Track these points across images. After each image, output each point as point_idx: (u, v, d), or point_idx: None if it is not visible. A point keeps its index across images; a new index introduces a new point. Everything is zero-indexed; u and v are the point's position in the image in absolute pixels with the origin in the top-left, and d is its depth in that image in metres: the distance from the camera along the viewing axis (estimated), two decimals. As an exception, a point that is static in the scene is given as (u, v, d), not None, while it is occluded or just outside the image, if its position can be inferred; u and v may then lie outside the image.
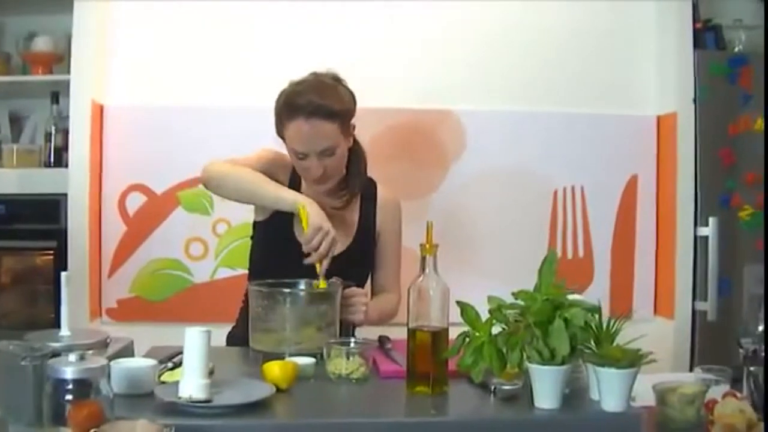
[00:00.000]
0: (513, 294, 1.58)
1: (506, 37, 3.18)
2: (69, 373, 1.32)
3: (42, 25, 3.08)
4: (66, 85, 2.90)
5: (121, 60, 3.07)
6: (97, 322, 2.99)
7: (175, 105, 3.05)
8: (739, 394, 1.59)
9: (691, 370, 2.53)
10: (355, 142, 2.21)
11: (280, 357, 1.73)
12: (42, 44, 3.05)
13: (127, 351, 1.81)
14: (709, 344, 3.02)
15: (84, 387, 1.33)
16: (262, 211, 2.21)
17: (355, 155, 2.20)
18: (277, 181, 2.15)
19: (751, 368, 1.73)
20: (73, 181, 2.89)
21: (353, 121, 2.15)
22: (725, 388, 1.73)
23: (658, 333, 3.12)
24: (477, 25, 3.16)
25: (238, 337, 2.23)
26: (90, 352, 1.66)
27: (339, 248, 2.04)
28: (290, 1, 3.09)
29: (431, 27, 3.15)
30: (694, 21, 3.08)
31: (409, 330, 1.64)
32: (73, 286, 2.79)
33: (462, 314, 1.58)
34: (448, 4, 3.15)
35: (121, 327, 2.95)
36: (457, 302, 1.59)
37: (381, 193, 2.27)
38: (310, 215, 1.96)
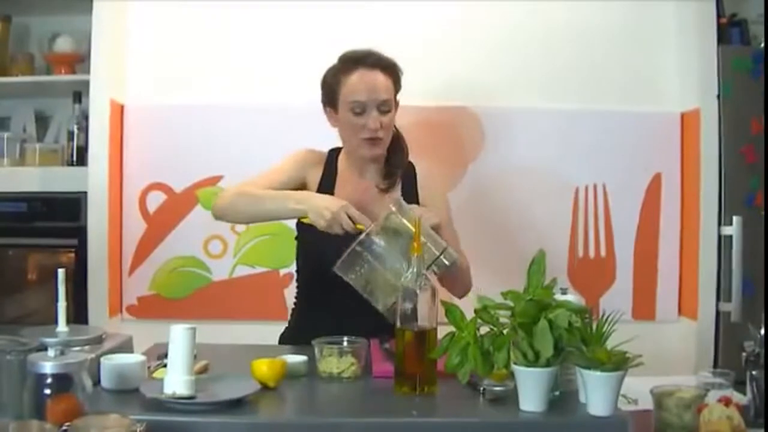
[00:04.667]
0: (502, 294, 1.56)
1: (526, 34, 3.14)
2: (48, 367, 1.34)
3: (64, 26, 3.12)
4: (88, 84, 2.92)
5: (140, 60, 3.10)
6: (117, 319, 3.03)
7: (194, 104, 3.07)
8: (733, 399, 1.54)
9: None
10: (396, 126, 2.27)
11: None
12: (64, 45, 3.09)
13: (125, 347, 1.83)
14: (733, 345, 2.94)
15: (64, 381, 1.35)
16: None
17: (397, 136, 2.26)
18: (307, 180, 2.20)
19: (753, 372, 1.69)
20: (93, 179, 2.92)
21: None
22: (727, 392, 1.69)
23: (682, 334, 3.07)
24: (496, 23, 3.12)
25: (288, 339, 2.25)
26: (86, 347, 1.71)
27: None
28: (310, 0, 3.09)
29: (450, 24, 3.12)
30: (719, 16, 2.99)
31: (396, 330, 1.63)
32: (93, 283, 2.91)
33: (446, 314, 1.56)
34: (468, 2, 3.11)
35: (141, 324, 3.00)
36: (442, 302, 1.57)
37: (420, 171, 2.29)
38: (311, 218, 1.97)
